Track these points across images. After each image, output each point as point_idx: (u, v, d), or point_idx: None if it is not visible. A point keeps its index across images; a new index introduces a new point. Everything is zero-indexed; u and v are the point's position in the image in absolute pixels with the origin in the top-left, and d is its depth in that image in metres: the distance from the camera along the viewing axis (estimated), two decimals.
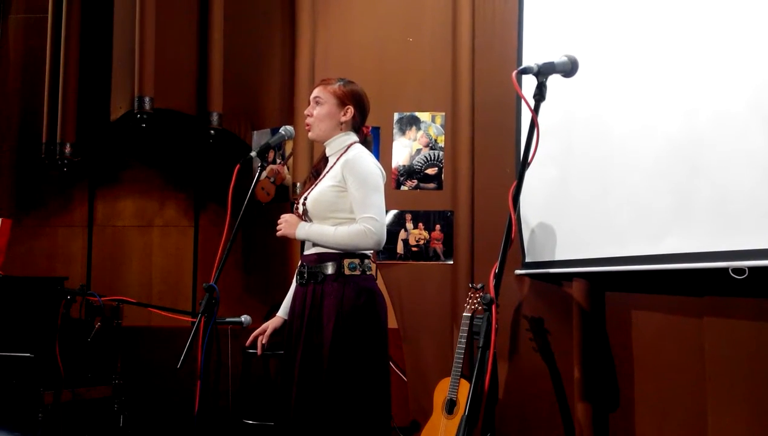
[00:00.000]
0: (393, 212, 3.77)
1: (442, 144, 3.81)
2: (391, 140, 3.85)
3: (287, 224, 2.55)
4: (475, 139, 3.74)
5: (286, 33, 4.15)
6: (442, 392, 3.24)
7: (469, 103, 3.74)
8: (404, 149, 3.84)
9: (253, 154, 2.58)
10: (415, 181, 3.81)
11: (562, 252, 3.17)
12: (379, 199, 2.47)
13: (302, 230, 2.50)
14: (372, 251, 2.52)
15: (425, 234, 3.78)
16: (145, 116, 4.05)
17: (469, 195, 3.71)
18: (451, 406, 3.18)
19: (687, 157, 2.48)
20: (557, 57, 1.91)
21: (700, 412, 2.56)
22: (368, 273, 2.49)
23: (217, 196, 4.67)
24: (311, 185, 2.59)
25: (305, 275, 2.50)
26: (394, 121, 3.86)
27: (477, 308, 3.26)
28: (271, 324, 2.62)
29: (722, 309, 2.48)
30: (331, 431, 2.35)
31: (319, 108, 2.57)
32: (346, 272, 2.45)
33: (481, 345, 1.75)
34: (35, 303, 3.43)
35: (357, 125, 2.61)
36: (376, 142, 3.75)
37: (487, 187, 3.69)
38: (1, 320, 3.41)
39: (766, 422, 2.34)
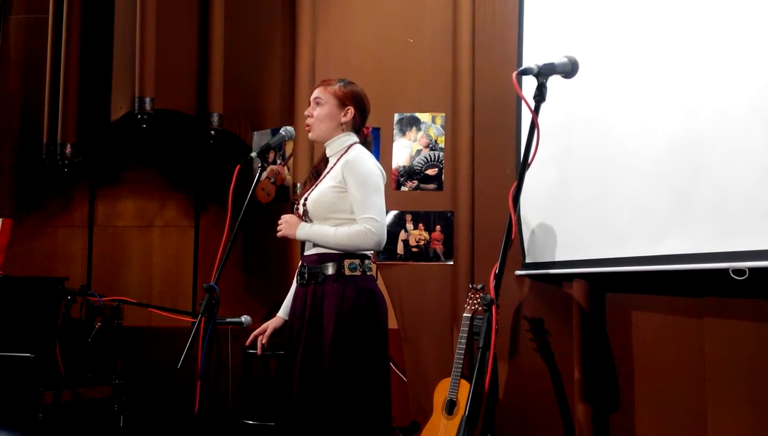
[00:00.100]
0: (393, 213, 3.78)
1: (442, 145, 3.81)
2: (392, 141, 3.85)
3: (287, 225, 2.55)
4: (476, 140, 3.74)
5: (286, 33, 4.16)
6: (442, 392, 3.24)
7: (470, 104, 3.75)
8: (404, 150, 3.84)
9: (253, 154, 2.59)
10: (416, 181, 3.82)
11: (563, 253, 3.18)
12: (380, 199, 2.47)
13: (302, 231, 2.50)
14: (372, 252, 2.52)
15: (425, 235, 3.78)
16: (145, 117, 4.05)
17: (469, 196, 3.71)
18: (451, 406, 3.18)
19: (687, 158, 2.48)
20: (557, 58, 1.91)
21: (700, 413, 2.56)
22: (368, 274, 2.50)
23: (217, 196, 4.67)
24: (311, 186, 2.59)
25: (306, 276, 2.50)
26: (395, 121, 3.86)
27: (477, 308, 3.26)
28: (271, 324, 2.62)
29: (722, 310, 2.48)
30: (332, 432, 2.36)
31: (319, 109, 2.57)
32: (347, 272, 2.45)
33: (481, 346, 1.75)
34: (36, 303, 3.43)
35: (357, 126, 2.61)
36: (376, 142, 3.76)
37: (487, 188, 3.69)
38: (2, 320, 3.41)
39: (766, 422, 2.34)
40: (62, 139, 4.31)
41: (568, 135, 3.14)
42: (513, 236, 1.80)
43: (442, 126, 3.82)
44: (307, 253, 2.55)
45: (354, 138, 2.60)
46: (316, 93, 2.60)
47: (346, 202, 2.46)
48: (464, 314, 3.28)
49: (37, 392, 3.27)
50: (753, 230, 2.19)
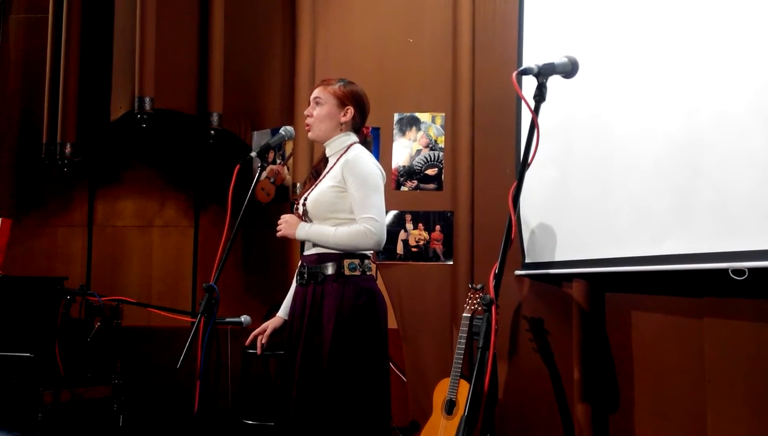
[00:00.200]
0: (393, 213, 3.77)
1: (442, 145, 3.81)
2: (391, 141, 3.85)
3: (287, 225, 2.55)
4: (475, 140, 3.74)
5: (286, 33, 4.15)
6: (441, 392, 3.24)
7: (469, 104, 3.75)
8: (404, 150, 3.84)
9: (253, 154, 2.59)
10: (415, 181, 3.81)
11: (562, 253, 3.17)
12: (379, 199, 2.47)
13: (302, 231, 2.50)
14: (372, 252, 2.52)
15: (425, 235, 3.78)
16: (145, 116, 4.05)
17: (469, 196, 3.71)
18: (450, 406, 3.18)
19: (687, 159, 2.48)
20: (557, 58, 1.91)
21: (699, 413, 2.56)
22: (368, 273, 2.50)
23: (217, 196, 4.67)
24: (311, 186, 2.59)
25: (305, 276, 2.50)
26: (394, 121, 3.86)
27: (477, 308, 3.26)
28: (271, 324, 2.62)
29: (722, 310, 2.49)
30: (331, 432, 2.35)
31: (319, 108, 2.57)
32: (346, 272, 2.45)
33: (480, 346, 1.75)
34: (35, 303, 3.43)
35: (357, 126, 2.61)
36: (376, 142, 3.75)
37: (487, 188, 3.68)
38: (1, 319, 3.41)
39: (766, 422, 2.34)
40: (62, 139, 4.31)
41: (568, 135, 3.14)
42: (513, 236, 1.80)
43: (441, 126, 3.82)
44: (306, 253, 2.55)
45: (354, 138, 2.59)
46: (315, 93, 2.60)
47: (346, 202, 2.46)
48: (464, 314, 3.28)
49: (37, 392, 3.27)
50: (753, 230, 2.19)
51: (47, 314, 3.37)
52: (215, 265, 2.37)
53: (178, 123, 4.30)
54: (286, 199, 4.16)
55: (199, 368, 2.24)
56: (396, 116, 3.86)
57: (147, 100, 4.03)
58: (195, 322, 2.25)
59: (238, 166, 2.45)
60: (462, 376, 3.18)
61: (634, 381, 2.94)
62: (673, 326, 2.74)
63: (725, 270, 2.20)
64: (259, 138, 4.23)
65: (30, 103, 4.68)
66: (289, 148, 4.10)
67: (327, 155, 2.62)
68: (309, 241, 2.52)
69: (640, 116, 2.73)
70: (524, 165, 1.85)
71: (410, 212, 3.79)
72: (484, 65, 3.75)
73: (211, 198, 4.72)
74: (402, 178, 3.82)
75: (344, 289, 2.42)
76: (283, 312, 2.63)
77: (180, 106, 4.19)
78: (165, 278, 4.72)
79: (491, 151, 3.70)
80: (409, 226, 3.78)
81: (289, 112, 4.05)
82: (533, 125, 1.82)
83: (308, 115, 2.59)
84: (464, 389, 3.16)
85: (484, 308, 1.76)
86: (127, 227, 4.77)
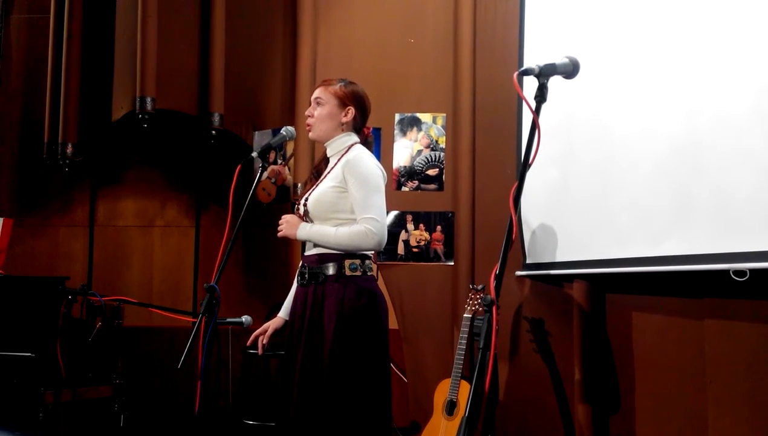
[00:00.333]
0: (394, 213, 3.78)
1: (443, 145, 3.81)
2: (392, 141, 3.85)
3: (288, 225, 2.55)
4: (476, 141, 3.74)
5: (287, 33, 4.16)
6: (442, 393, 3.24)
7: (470, 104, 3.75)
8: (405, 150, 3.84)
9: (254, 154, 2.59)
10: (416, 182, 3.82)
11: (563, 253, 3.17)
12: (380, 199, 2.47)
13: (303, 231, 2.50)
14: (373, 252, 2.52)
15: (426, 235, 3.78)
16: (146, 117, 4.06)
17: (470, 196, 3.71)
18: (451, 407, 3.18)
19: (688, 159, 2.48)
20: (558, 58, 1.91)
21: (700, 414, 2.55)
22: (369, 274, 2.50)
23: (218, 196, 4.67)
24: (312, 186, 2.59)
25: (306, 276, 2.50)
26: (395, 122, 3.86)
27: (477, 309, 3.26)
28: (272, 324, 2.62)
29: (723, 311, 2.48)
30: (332, 432, 2.35)
31: (320, 109, 2.57)
32: (347, 272, 2.45)
33: (481, 346, 1.75)
34: (36, 303, 3.43)
35: (358, 126, 2.61)
36: (377, 143, 3.76)
37: (487, 189, 3.69)
38: (2, 319, 3.41)
39: (767, 423, 2.34)
40: (63, 139, 4.32)
41: (569, 135, 3.14)
42: (513, 237, 1.80)
43: (442, 126, 3.82)
44: (307, 253, 2.55)
45: (354, 138, 2.59)
46: (316, 93, 2.60)
47: (347, 203, 2.46)
48: (464, 315, 3.28)
49: (38, 392, 3.27)
50: (754, 230, 2.19)
51: (48, 314, 3.38)
52: (216, 265, 2.37)
53: (179, 123, 4.30)
54: (287, 199, 4.16)
55: (200, 368, 2.24)
56: (397, 117, 3.86)
57: (148, 100, 4.03)
58: (196, 322, 2.25)
59: (239, 167, 2.45)
60: (463, 376, 3.18)
61: (634, 382, 2.93)
62: (674, 327, 2.73)
63: (726, 271, 2.20)
64: (260, 138, 4.23)
65: (31, 103, 4.69)
66: (290, 148, 4.10)
67: (328, 155, 2.62)
68: (310, 241, 2.52)
69: (641, 117, 2.73)
70: (525, 165, 1.85)
71: (411, 213, 3.79)
72: (485, 65, 3.75)
73: (212, 198, 4.72)
74: (403, 179, 3.82)
75: (345, 289, 2.42)
76: (284, 312, 2.63)
77: (181, 107, 4.20)
78: (166, 278, 4.73)
79: (492, 151, 3.70)
80: (410, 226, 3.78)
81: (290, 113, 4.06)
82: (534, 126, 1.82)
83: (309, 116, 2.59)
84: (465, 389, 3.16)
85: (485, 308, 1.76)
86: (128, 226, 4.78)
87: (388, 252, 3.76)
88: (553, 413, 3.28)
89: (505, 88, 3.54)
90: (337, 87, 2.58)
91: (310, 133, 2.61)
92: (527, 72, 1.86)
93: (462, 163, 3.73)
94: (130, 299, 3.69)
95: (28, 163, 4.72)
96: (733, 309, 2.44)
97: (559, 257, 3.19)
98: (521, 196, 1.84)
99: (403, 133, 3.85)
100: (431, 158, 3.81)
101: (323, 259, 2.47)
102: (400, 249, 3.78)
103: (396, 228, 3.76)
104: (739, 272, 2.16)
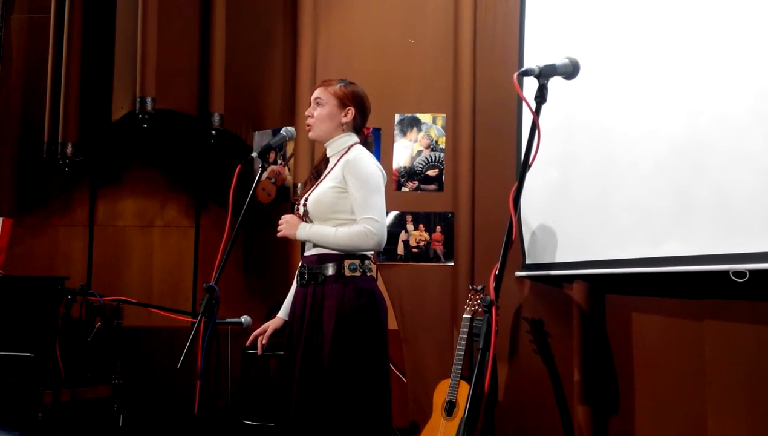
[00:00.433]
0: (394, 214, 3.77)
1: (443, 145, 3.81)
2: (392, 141, 3.85)
3: (288, 225, 2.55)
4: (476, 141, 3.74)
5: (287, 33, 4.16)
6: (441, 393, 3.24)
7: (471, 105, 3.75)
8: (405, 151, 3.84)
9: (254, 154, 2.59)
10: (416, 182, 3.81)
11: (563, 254, 3.17)
12: (380, 200, 2.47)
13: (303, 231, 2.50)
14: (372, 252, 2.52)
15: (426, 235, 3.78)
16: (146, 117, 4.06)
17: (469, 197, 3.71)
18: (450, 408, 3.18)
19: (688, 160, 2.48)
20: (559, 59, 1.91)
21: (700, 415, 2.55)
22: (369, 274, 2.49)
23: (218, 196, 4.67)
24: (312, 186, 2.58)
25: (305, 276, 2.50)
26: (395, 122, 3.86)
27: (477, 309, 3.26)
28: (271, 325, 2.62)
29: (723, 312, 2.48)
30: (332, 432, 2.35)
31: (319, 109, 2.57)
32: (347, 273, 2.45)
33: (481, 347, 1.75)
34: (36, 303, 3.43)
35: (358, 126, 2.61)
36: (377, 143, 3.76)
37: (487, 189, 3.68)
38: (2, 319, 3.41)
39: (767, 424, 2.34)
40: (63, 139, 4.32)
41: (569, 136, 3.14)
42: (513, 237, 1.80)
43: (442, 127, 3.82)
44: (307, 253, 2.54)
45: (354, 138, 2.59)
46: (316, 93, 2.60)
47: (347, 203, 2.46)
48: (464, 315, 3.28)
49: (37, 392, 3.27)
50: (754, 231, 2.19)
51: (48, 314, 3.37)
52: (216, 265, 2.37)
53: (179, 123, 4.30)
54: (286, 199, 4.16)
55: (200, 368, 2.24)
56: (397, 117, 3.86)
57: (148, 100, 4.03)
58: (195, 322, 2.25)
59: (239, 167, 2.45)
60: (462, 377, 3.18)
61: (634, 383, 2.93)
62: (674, 328, 2.73)
63: (726, 272, 2.20)
64: (260, 138, 4.23)
65: (31, 102, 4.69)
66: (290, 148, 4.10)
67: (328, 156, 2.62)
68: (309, 241, 2.51)
69: (641, 118, 2.73)
70: (525, 166, 1.85)
71: (411, 213, 3.79)
72: (486, 66, 3.75)
73: (212, 198, 4.72)
74: (403, 179, 3.82)
75: (344, 289, 2.42)
76: (283, 313, 2.63)
77: (181, 107, 4.20)
78: (166, 278, 4.73)
79: (492, 152, 3.70)
80: (410, 227, 3.78)
81: (290, 113, 4.06)
82: (534, 126, 1.82)
83: (309, 116, 2.59)
84: (464, 390, 3.16)
85: (485, 309, 1.76)
86: (128, 227, 4.77)
87: (387, 252, 3.76)
88: (553, 413, 3.28)
89: (505, 89, 3.54)
90: (337, 87, 2.57)
91: (310, 134, 2.61)
92: (527, 73, 1.86)
93: (462, 163, 3.73)
94: (129, 299, 3.69)
95: (28, 162, 4.72)
96: (732, 310, 2.44)
97: (559, 258, 3.19)
98: (521, 196, 1.84)
99: (403, 133, 3.85)
100: (431, 159, 3.81)
101: (323, 259, 2.47)
102: (400, 249, 3.78)
103: (396, 228, 3.76)
104: (739, 273, 2.17)
